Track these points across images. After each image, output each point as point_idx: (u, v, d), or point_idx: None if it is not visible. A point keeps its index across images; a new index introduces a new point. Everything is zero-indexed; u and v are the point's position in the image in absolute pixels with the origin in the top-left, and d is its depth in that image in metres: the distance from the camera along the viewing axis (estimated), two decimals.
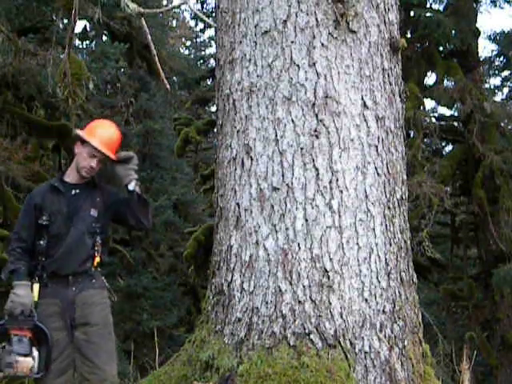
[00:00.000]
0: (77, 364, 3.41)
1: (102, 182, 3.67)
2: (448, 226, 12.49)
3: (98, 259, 3.49)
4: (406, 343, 3.51)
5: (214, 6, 4.82)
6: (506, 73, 13.89)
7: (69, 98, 6.77)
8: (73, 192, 3.49)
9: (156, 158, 15.14)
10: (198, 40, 22.78)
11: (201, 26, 19.72)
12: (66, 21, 9.01)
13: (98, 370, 3.37)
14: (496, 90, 14.48)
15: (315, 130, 3.53)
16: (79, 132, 3.55)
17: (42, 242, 3.39)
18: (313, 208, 3.46)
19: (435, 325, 8.79)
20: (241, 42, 3.76)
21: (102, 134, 3.53)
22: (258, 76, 3.67)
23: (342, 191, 3.50)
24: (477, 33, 10.52)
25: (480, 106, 9.71)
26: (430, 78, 11.72)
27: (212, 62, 19.79)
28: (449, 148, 12.51)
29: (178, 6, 12.94)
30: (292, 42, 3.61)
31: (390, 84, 3.82)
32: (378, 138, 3.67)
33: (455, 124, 11.35)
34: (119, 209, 3.58)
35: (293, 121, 3.55)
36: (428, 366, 3.65)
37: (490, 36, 11.79)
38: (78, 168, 3.51)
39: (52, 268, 3.40)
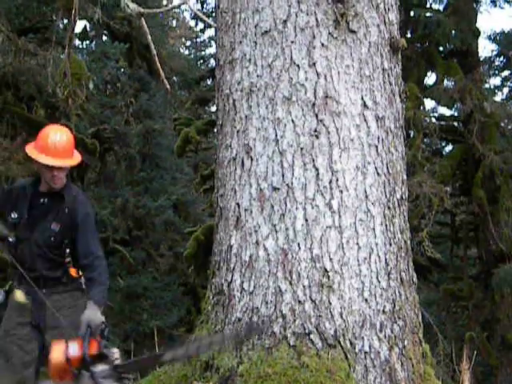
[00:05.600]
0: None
1: (78, 198, 3.46)
2: (448, 225, 12.48)
3: (73, 272, 3.40)
4: (406, 343, 3.51)
5: (214, 5, 4.82)
6: (506, 73, 13.90)
7: (69, 98, 6.78)
8: (41, 200, 3.41)
9: (156, 157, 15.10)
10: (198, 40, 22.76)
11: (201, 25, 19.70)
12: (66, 21, 9.00)
13: None
14: (496, 90, 14.46)
15: (315, 130, 3.53)
16: (27, 149, 3.39)
17: (10, 239, 3.35)
18: (313, 208, 3.46)
19: (435, 325, 8.78)
20: (241, 42, 3.76)
21: (49, 145, 3.32)
22: (258, 76, 3.66)
23: (342, 191, 3.50)
24: (477, 33, 10.52)
25: (480, 106, 9.71)
26: (430, 78, 11.75)
27: (212, 61, 19.77)
28: (449, 148, 12.52)
29: (178, 6, 12.96)
30: (292, 42, 3.61)
31: (390, 84, 3.82)
32: (378, 138, 3.66)
33: (455, 124, 11.35)
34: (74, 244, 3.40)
35: (293, 121, 3.55)
36: (428, 366, 3.65)
37: (489, 36, 11.81)
38: (46, 180, 3.39)
39: (23, 265, 3.31)
